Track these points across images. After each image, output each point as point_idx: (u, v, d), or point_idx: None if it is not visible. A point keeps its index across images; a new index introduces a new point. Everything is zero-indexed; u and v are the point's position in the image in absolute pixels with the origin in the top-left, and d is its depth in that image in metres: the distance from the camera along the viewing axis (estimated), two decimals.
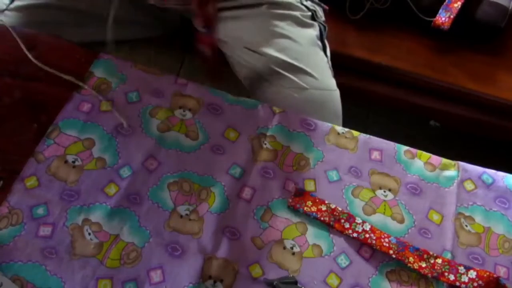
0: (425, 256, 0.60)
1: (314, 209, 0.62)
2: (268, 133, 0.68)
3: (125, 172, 0.64)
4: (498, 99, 1.01)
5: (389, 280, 0.59)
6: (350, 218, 0.62)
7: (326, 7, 0.90)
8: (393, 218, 0.63)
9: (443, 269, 0.59)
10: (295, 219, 0.62)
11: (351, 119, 0.83)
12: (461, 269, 0.59)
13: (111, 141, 0.66)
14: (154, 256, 0.59)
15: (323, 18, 0.88)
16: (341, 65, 0.90)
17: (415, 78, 1.04)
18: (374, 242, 0.60)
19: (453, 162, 0.67)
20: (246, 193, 0.64)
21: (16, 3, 0.80)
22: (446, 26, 1.00)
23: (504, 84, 1.03)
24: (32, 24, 0.77)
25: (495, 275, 0.58)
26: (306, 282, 0.58)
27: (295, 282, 0.57)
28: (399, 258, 0.59)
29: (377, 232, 0.61)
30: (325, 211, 0.62)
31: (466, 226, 0.63)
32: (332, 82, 0.82)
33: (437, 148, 0.74)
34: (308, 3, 0.86)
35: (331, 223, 0.61)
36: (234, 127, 0.68)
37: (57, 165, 0.63)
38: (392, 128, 1.36)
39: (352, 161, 0.67)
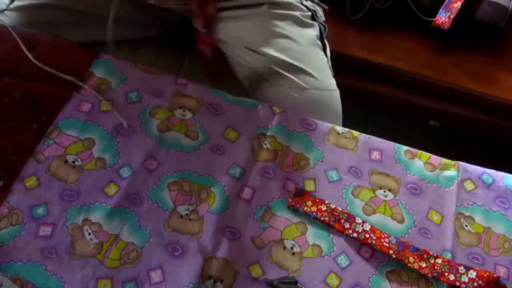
0: (425, 256, 0.60)
1: (314, 209, 0.62)
2: (268, 133, 0.68)
3: (125, 172, 0.64)
4: (498, 99, 1.01)
5: (389, 280, 0.59)
6: (350, 218, 0.62)
7: (326, 7, 0.90)
8: (393, 218, 0.63)
9: (443, 269, 0.59)
10: (295, 219, 0.62)
11: (351, 119, 0.83)
12: (461, 269, 0.59)
13: (111, 141, 0.66)
14: (154, 256, 0.58)
15: (323, 18, 0.88)
16: (341, 65, 0.90)
17: (415, 78, 1.04)
18: (374, 242, 0.60)
19: (453, 162, 0.67)
20: (246, 193, 0.64)
21: (16, 3, 0.80)
22: (446, 26, 1.00)
23: (504, 84, 1.03)
24: (32, 24, 0.77)
25: (495, 275, 0.58)
26: (306, 282, 0.58)
27: (295, 282, 0.57)
28: (399, 258, 0.59)
29: (377, 232, 0.61)
30: (325, 211, 0.62)
31: (466, 226, 0.63)
32: (332, 82, 0.82)
33: (437, 148, 0.74)
34: (308, 3, 0.86)
35: (331, 223, 0.61)
36: (234, 127, 0.68)
37: (57, 165, 0.63)
38: (392, 128, 1.36)
39: (352, 161, 0.67)
